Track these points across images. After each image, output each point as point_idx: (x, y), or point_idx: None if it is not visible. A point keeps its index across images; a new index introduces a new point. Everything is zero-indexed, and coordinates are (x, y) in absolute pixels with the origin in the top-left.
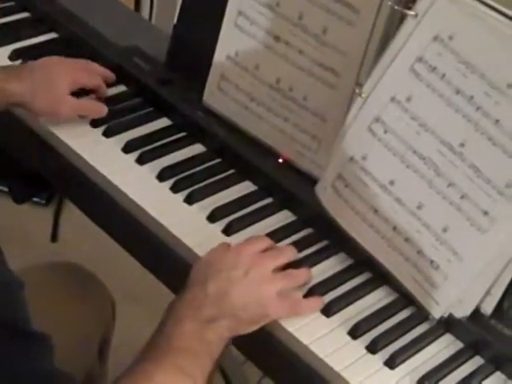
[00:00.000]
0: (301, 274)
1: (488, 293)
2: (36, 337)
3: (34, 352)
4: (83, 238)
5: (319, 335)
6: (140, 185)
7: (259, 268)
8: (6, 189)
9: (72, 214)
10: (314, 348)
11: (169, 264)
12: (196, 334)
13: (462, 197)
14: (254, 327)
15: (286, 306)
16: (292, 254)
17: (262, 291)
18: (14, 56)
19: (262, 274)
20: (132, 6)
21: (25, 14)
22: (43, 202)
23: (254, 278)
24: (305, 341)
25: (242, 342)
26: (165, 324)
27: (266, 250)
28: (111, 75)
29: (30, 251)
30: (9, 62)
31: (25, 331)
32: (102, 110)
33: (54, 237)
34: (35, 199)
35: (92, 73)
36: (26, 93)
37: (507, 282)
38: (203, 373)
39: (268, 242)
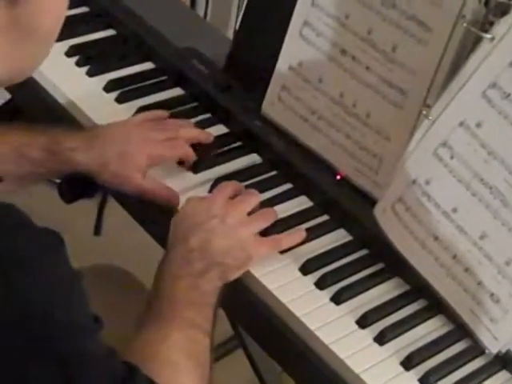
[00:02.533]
0: (270, 212)
1: None
2: (98, 324)
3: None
4: (126, 233)
5: (372, 364)
6: (192, 193)
7: (234, 213)
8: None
9: (116, 208)
10: (365, 377)
11: None
12: (193, 288)
13: None
14: (242, 271)
15: (266, 244)
16: (258, 197)
17: (241, 234)
18: (71, 52)
19: (238, 219)
20: (187, 3)
21: (84, 9)
22: (94, 196)
23: (231, 224)
24: (357, 370)
25: (277, 353)
26: (161, 287)
27: (235, 195)
28: (206, 137)
29: (72, 244)
30: (65, 58)
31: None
32: (173, 198)
33: (98, 230)
34: None
35: (178, 143)
36: (94, 165)
37: None
38: (208, 322)
39: (235, 185)
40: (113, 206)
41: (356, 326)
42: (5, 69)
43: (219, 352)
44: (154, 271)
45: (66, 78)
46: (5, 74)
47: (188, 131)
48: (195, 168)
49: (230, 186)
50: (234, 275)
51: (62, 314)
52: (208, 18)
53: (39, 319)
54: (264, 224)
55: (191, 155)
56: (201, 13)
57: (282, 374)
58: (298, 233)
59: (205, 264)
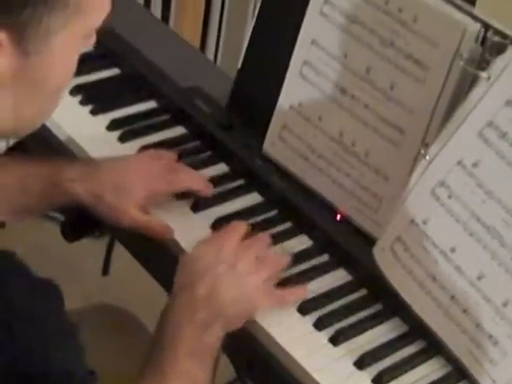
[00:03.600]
0: (280, 258)
1: None
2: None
3: None
4: (135, 273)
5: None
6: (193, 233)
7: (243, 260)
8: (60, 216)
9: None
10: None
11: None
12: (196, 339)
13: None
14: (244, 320)
15: (272, 297)
16: (268, 239)
17: (249, 285)
18: (75, 91)
19: (247, 266)
20: (197, 45)
21: (88, 48)
22: (96, 234)
23: (240, 272)
24: None
25: None
26: (163, 334)
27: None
28: (205, 187)
29: (79, 283)
30: (69, 97)
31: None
32: (167, 233)
33: (106, 270)
34: None
35: (178, 182)
36: (90, 196)
37: None
38: (208, 373)
39: (245, 227)
40: (121, 246)
41: (354, 368)
42: (11, 119)
43: None
44: (159, 313)
45: (69, 117)
46: (10, 124)
47: (195, 181)
48: (195, 207)
49: (241, 227)
50: (237, 325)
51: (58, 363)
52: (218, 61)
53: (36, 367)
54: (274, 271)
55: (197, 185)
56: (211, 55)
57: None
58: (303, 290)
59: (209, 315)
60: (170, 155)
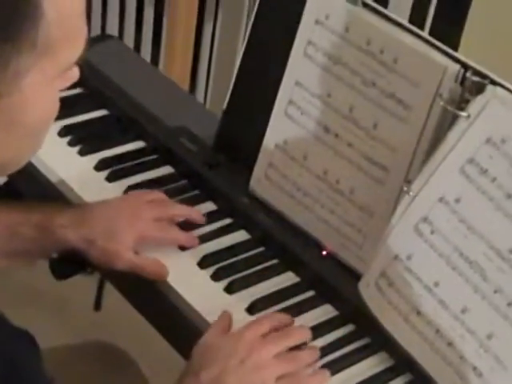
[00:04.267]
0: (305, 354)
1: None
2: None
3: None
4: (126, 309)
5: None
6: (180, 271)
7: (258, 355)
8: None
9: None
10: None
11: None
12: None
13: (508, 304)
14: None
15: None
16: (302, 335)
17: (258, 379)
18: (63, 132)
19: (260, 362)
20: (187, 88)
21: (77, 90)
22: (88, 270)
23: (250, 367)
24: None
25: None
26: None
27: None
28: (198, 218)
29: (71, 319)
30: (57, 138)
31: None
32: (163, 272)
33: (98, 305)
34: None
35: (170, 227)
36: (82, 241)
37: None
38: None
39: (275, 321)
40: None
41: None
42: None
43: None
44: (150, 348)
45: (57, 158)
46: None
47: (179, 208)
48: (182, 245)
49: (267, 322)
50: None
51: None
52: (208, 103)
53: None
54: (293, 367)
55: (186, 239)
56: (200, 98)
57: None
58: (324, 374)
59: None
60: (158, 194)
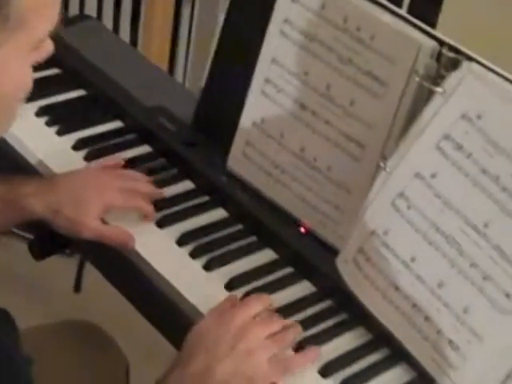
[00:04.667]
0: (290, 332)
1: (509, 376)
2: None
3: None
4: (106, 290)
5: None
6: (159, 248)
7: (246, 340)
8: (29, 236)
9: None
10: None
11: (182, 330)
12: None
13: (484, 278)
14: None
15: (278, 371)
16: (282, 321)
17: (250, 365)
18: (40, 112)
19: (250, 347)
20: (165, 69)
21: (54, 70)
22: (67, 251)
23: (241, 353)
24: None
25: None
26: None
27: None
28: (159, 194)
29: (52, 300)
30: (35, 118)
31: None
32: (129, 241)
33: (77, 287)
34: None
35: (134, 195)
36: (47, 211)
37: None
38: None
39: (264, 302)
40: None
41: (318, 376)
42: None
43: None
44: (131, 330)
45: (35, 138)
46: None
47: (144, 186)
48: (160, 223)
49: (256, 305)
50: None
51: None
52: (187, 83)
53: None
54: (280, 347)
55: (150, 211)
56: (179, 79)
57: None
58: (312, 351)
59: None
60: (117, 161)
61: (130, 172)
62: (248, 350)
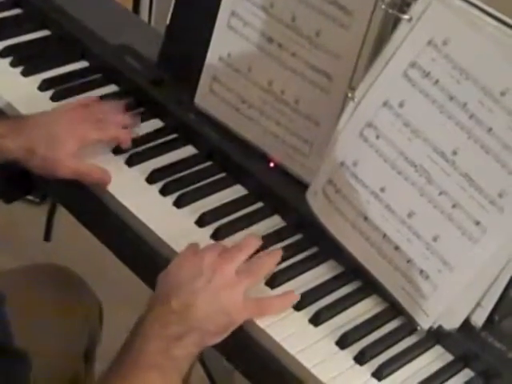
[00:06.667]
0: (263, 263)
1: (479, 305)
2: (16, 354)
3: (12, 370)
4: (77, 238)
5: (306, 345)
6: (129, 187)
7: (221, 273)
8: None
9: (66, 213)
10: (300, 358)
11: (155, 268)
12: (163, 352)
13: (453, 206)
14: (222, 337)
15: (253, 309)
16: (255, 243)
17: (227, 298)
18: (4, 53)
19: (225, 279)
20: (130, 8)
21: (17, 11)
22: (37, 200)
23: (217, 286)
24: (291, 351)
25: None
26: (132, 341)
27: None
28: (132, 122)
29: (22, 250)
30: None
31: (4, 348)
32: (106, 177)
33: (48, 236)
34: (29, 197)
35: (108, 125)
36: (21, 150)
37: (498, 294)
38: None
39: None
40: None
41: (291, 309)
42: None
43: None
44: (103, 275)
45: (0, 79)
46: None
47: (116, 115)
48: (130, 161)
49: (220, 245)
50: (213, 341)
51: None
52: (152, 22)
53: None
54: (256, 280)
55: (127, 137)
56: (145, 18)
57: (235, 373)
58: (291, 295)
59: (182, 329)
60: (92, 99)
61: (100, 103)
62: (224, 284)
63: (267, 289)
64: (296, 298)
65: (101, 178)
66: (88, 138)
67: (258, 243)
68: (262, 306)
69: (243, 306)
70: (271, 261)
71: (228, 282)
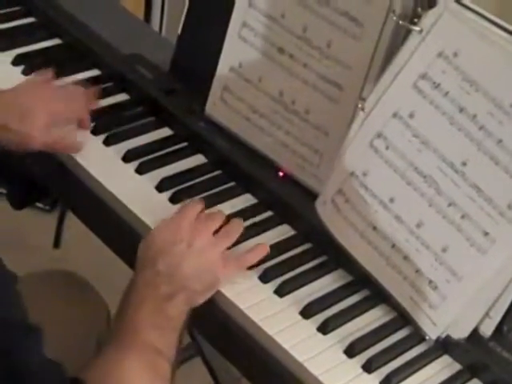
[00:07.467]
0: (235, 227)
1: (487, 315)
2: (31, 328)
3: (29, 343)
4: (86, 245)
5: (315, 353)
6: (139, 195)
7: (200, 236)
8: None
9: (76, 221)
10: (308, 366)
11: None
12: (158, 312)
13: (462, 216)
14: (209, 294)
15: (233, 265)
16: (222, 215)
17: (208, 257)
18: (17, 61)
19: (206, 240)
20: (141, 17)
21: (30, 19)
22: (47, 207)
23: (199, 247)
24: (300, 358)
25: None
26: (124, 310)
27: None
28: (95, 103)
29: (31, 257)
30: (12, 67)
31: (21, 324)
32: (77, 147)
33: (57, 243)
34: (39, 205)
35: (75, 104)
36: None
37: (507, 304)
38: (171, 348)
39: (199, 205)
40: (73, 218)
41: (300, 317)
42: None
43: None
44: (112, 281)
45: (11, 86)
46: None
47: (83, 96)
48: (139, 170)
49: (196, 205)
50: (202, 299)
51: None
52: (163, 32)
53: None
54: (230, 241)
55: (88, 121)
56: (156, 27)
57: (242, 380)
58: (261, 247)
59: (172, 288)
60: (47, 73)
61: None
62: (203, 247)
63: (276, 297)
64: (265, 248)
65: (72, 147)
66: (56, 113)
67: (223, 215)
68: (240, 261)
69: (224, 264)
70: (241, 224)
71: (209, 241)
